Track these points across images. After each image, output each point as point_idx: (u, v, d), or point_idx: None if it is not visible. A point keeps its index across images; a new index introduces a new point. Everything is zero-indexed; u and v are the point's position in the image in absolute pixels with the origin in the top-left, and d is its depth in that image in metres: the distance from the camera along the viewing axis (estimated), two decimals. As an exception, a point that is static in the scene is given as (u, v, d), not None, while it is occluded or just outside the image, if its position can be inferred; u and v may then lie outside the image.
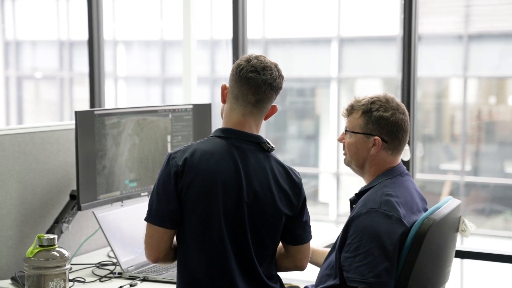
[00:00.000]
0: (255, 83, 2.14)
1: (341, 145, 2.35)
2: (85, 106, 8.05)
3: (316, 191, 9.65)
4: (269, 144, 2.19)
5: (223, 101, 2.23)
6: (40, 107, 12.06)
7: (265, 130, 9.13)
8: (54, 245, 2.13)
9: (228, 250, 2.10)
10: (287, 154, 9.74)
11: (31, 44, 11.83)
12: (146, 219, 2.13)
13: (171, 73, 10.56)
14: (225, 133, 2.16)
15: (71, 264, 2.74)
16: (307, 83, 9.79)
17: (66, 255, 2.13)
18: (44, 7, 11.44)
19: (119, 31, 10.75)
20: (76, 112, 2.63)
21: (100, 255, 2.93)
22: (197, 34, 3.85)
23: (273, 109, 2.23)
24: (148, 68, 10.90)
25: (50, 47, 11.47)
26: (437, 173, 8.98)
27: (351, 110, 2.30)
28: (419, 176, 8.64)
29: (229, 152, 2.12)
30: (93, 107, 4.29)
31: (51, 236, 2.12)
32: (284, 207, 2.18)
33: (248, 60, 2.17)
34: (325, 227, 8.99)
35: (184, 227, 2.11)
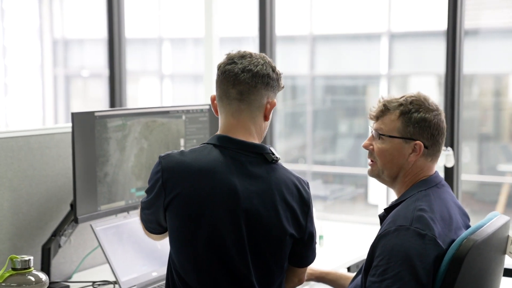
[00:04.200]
0: (232, 73, 1.83)
1: None
2: (132, 104, 7.92)
3: (365, 192, 9.31)
4: (273, 154, 1.85)
5: (216, 112, 1.93)
6: (88, 105, 12.00)
7: (313, 128, 8.81)
8: (29, 268, 1.84)
9: (221, 281, 1.79)
10: (337, 153, 9.41)
11: (78, 43, 11.78)
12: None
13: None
14: (221, 142, 1.84)
15: (70, 282, 2.50)
16: (356, 80, 9.42)
17: (43, 280, 1.84)
18: (91, 5, 11.37)
19: (165, 29, 10.58)
20: (72, 114, 2.36)
21: (105, 271, 2.65)
22: (220, 31, 3.59)
23: (272, 105, 1.88)
24: (196, 65, 10.68)
25: (97, 45, 11.39)
26: (494, 175, 8.54)
27: (384, 111, 1.99)
28: (475, 177, 8.23)
29: (225, 166, 1.80)
30: (113, 107, 4.05)
31: (26, 257, 1.84)
32: (291, 228, 1.85)
33: (228, 55, 1.89)
34: (373, 230, 8.62)
35: (172, 251, 1.84)
